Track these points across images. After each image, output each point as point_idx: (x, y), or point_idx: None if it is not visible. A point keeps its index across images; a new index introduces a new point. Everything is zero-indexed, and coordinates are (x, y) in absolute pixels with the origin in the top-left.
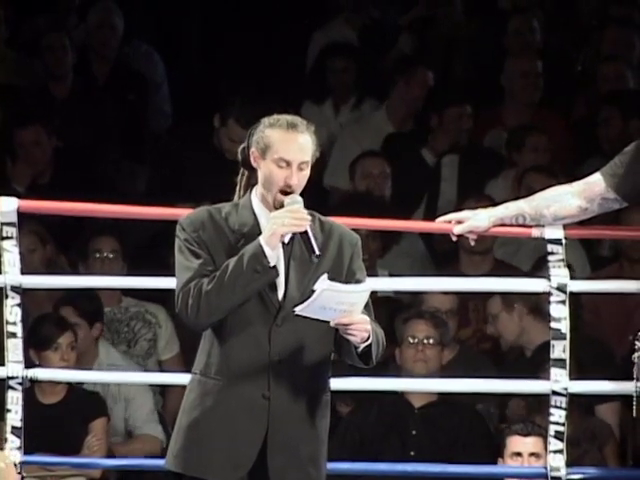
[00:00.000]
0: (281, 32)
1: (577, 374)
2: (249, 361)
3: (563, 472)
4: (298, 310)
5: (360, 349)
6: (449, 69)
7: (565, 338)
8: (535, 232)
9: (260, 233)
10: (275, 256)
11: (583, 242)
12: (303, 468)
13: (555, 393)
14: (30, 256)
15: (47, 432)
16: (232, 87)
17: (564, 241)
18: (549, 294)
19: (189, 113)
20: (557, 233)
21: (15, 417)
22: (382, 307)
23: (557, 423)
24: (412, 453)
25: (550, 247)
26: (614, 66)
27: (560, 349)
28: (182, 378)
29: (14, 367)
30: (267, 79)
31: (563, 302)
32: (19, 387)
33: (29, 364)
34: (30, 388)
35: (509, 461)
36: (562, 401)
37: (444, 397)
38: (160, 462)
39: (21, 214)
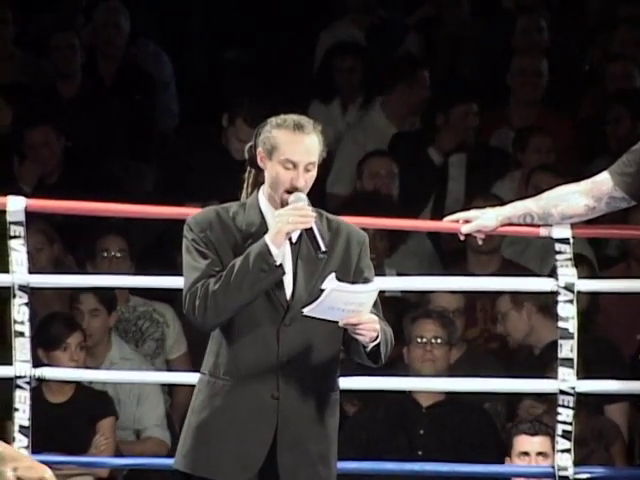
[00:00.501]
0: (288, 32)
1: (585, 373)
2: (258, 361)
3: (570, 471)
4: (306, 311)
5: (369, 348)
6: (455, 68)
7: (573, 337)
8: (543, 231)
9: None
10: (281, 255)
11: (591, 241)
12: (313, 466)
13: (563, 392)
14: (38, 255)
15: (55, 431)
16: (240, 87)
17: (571, 240)
18: (557, 293)
19: (197, 113)
20: (565, 232)
21: (23, 416)
22: (389, 307)
23: (565, 422)
24: (419, 452)
25: (558, 246)
26: (622, 65)
27: (568, 348)
28: (190, 377)
29: (22, 366)
30: (275, 79)
31: (571, 301)
32: (27, 386)
33: (37, 363)
34: (38, 387)
35: (516, 460)
36: (570, 400)
37: (451, 396)
38: (168, 462)
39: (29, 213)
